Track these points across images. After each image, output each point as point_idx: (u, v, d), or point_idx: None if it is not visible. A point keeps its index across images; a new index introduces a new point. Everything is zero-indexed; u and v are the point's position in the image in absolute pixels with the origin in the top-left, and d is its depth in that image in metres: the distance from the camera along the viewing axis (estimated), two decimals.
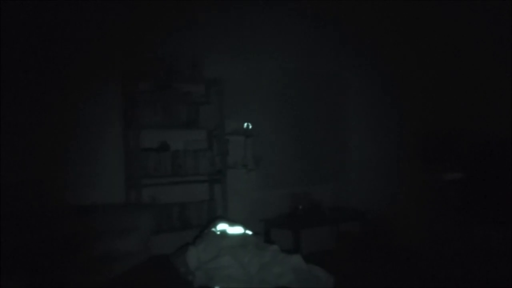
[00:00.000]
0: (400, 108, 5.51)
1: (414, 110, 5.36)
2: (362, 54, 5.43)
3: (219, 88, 4.23)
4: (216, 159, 4.23)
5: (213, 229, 3.20)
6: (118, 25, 3.95)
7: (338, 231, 5.19)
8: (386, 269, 4.10)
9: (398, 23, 5.22)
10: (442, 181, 4.87)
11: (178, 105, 4.07)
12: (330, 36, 5.27)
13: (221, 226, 3.22)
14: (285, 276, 2.81)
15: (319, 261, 3.04)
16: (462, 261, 4.07)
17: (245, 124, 4.61)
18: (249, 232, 3.27)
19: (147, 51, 4.03)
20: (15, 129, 3.50)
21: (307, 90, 5.17)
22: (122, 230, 3.12)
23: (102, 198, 3.65)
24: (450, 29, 4.97)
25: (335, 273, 2.93)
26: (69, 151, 3.74)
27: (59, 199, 3.24)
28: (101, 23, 3.88)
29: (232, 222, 3.34)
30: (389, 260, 4.39)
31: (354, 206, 5.21)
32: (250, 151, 4.66)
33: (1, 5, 3.30)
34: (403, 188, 5.15)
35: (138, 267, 2.98)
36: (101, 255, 2.70)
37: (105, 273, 2.51)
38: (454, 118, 5.00)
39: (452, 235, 4.51)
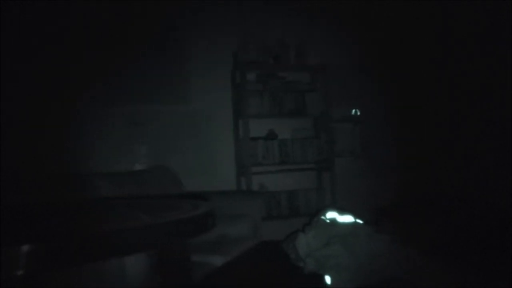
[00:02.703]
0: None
1: None
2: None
3: (325, 75, 4.18)
4: (324, 146, 4.21)
5: (323, 217, 3.19)
6: (227, 16, 4.10)
7: (453, 223, 4.86)
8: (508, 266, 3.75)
9: None
10: None
11: (284, 93, 4.11)
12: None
13: (331, 215, 3.19)
14: (397, 267, 2.71)
15: (433, 254, 2.89)
16: None
17: (353, 111, 4.50)
18: (360, 221, 3.20)
19: (254, 40, 4.12)
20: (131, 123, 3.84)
21: (417, 74, 4.87)
22: (235, 216, 3.26)
23: (216, 185, 3.84)
24: None
25: (451, 268, 2.76)
26: (186, 139, 4.00)
27: (175, 186, 3.49)
28: (212, 16, 4.06)
29: (342, 210, 3.30)
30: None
31: (470, 197, 4.82)
32: (358, 138, 4.55)
33: None
34: None
35: (250, 252, 3.09)
36: (217, 239, 2.86)
37: (222, 255, 2.65)
38: None
39: None
